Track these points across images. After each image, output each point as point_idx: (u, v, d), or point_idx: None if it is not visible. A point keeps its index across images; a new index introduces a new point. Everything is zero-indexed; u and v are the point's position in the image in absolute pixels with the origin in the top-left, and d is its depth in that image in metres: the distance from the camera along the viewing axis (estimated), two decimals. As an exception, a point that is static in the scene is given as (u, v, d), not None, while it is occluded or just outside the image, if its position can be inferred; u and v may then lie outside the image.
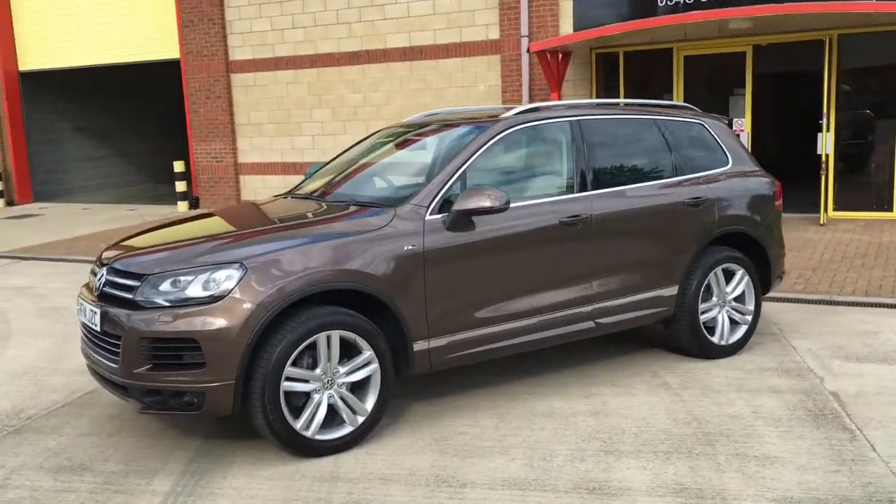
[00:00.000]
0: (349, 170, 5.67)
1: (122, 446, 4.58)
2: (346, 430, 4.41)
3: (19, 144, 18.76)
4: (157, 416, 4.74)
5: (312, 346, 4.27)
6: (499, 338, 4.89)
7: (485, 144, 5.00)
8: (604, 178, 5.40)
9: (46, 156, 19.56)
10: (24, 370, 6.08)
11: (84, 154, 20.66)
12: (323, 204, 5.15)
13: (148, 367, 4.13)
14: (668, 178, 5.70)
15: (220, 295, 4.10)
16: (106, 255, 4.75)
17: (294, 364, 4.22)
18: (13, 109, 18.63)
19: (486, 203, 4.62)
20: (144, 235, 5.04)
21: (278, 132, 15.51)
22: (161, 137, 21.59)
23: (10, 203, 18.56)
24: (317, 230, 4.54)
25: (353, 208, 4.84)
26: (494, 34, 13.41)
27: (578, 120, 5.41)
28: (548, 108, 5.46)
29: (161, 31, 16.58)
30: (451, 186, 4.78)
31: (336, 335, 4.30)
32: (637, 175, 5.60)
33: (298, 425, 4.24)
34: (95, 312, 4.37)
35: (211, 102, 15.96)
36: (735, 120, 12.08)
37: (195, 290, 4.13)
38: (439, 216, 4.69)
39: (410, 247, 4.54)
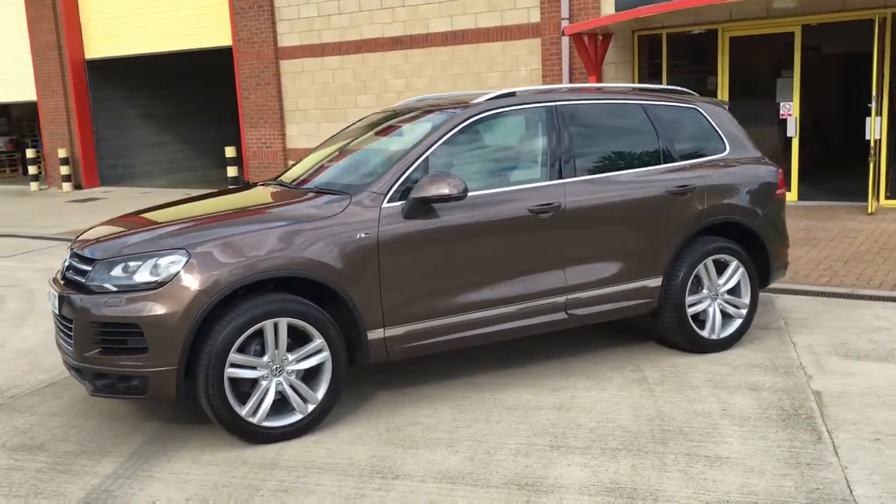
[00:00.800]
0: (329, 157, 5.65)
1: (85, 427, 4.69)
2: (295, 417, 4.41)
3: (86, 131, 19.42)
4: (112, 399, 4.80)
5: (262, 334, 4.28)
6: (462, 328, 4.82)
7: (449, 132, 4.92)
8: (580, 165, 5.24)
9: (113, 141, 20.20)
10: (29, 350, 6.29)
11: (149, 140, 21.26)
12: (291, 190, 5.15)
13: (97, 350, 4.21)
14: (654, 165, 5.50)
15: (164, 281, 4.14)
16: (78, 241, 4.85)
17: (241, 351, 4.24)
18: (80, 97, 19.28)
19: (444, 191, 4.54)
20: (116, 220, 5.13)
21: (324, 118, 15.63)
22: (222, 123, 22.03)
23: (77, 186, 19.25)
24: (268, 217, 4.54)
25: (310, 195, 4.82)
26: (535, 17, 13.19)
27: (555, 106, 5.26)
28: (525, 93, 5.32)
29: (216, 19, 16.89)
30: (410, 174, 4.71)
31: (283, 323, 4.30)
32: (618, 162, 5.42)
33: (244, 412, 4.26)
34: (55, 296, 4.47)
35: (261, 89, 16.19)
36: (782, 103, 11.60)
37: (143, 275, 4.18)
38: (398, 204, 4.63)
39: (363, 234, 4.50)
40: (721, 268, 5.63)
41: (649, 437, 4.29)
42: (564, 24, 12.66)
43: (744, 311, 5.71)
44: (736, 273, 5.65)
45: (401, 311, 4.62)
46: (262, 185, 5.63)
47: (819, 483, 3.72)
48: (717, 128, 5.82)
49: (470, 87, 13.98)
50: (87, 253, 4.45)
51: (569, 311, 5.13)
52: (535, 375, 5.27)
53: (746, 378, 5.11)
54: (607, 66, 12.69)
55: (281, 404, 4.41)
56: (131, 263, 4.23)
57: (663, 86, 6.37)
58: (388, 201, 4.63)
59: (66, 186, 19.01)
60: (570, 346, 5.81)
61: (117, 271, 4.24)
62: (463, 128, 4.97)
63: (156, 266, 4.18)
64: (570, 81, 12.97)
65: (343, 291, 4.44)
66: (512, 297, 4.93)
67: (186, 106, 21.62)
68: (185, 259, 4.17)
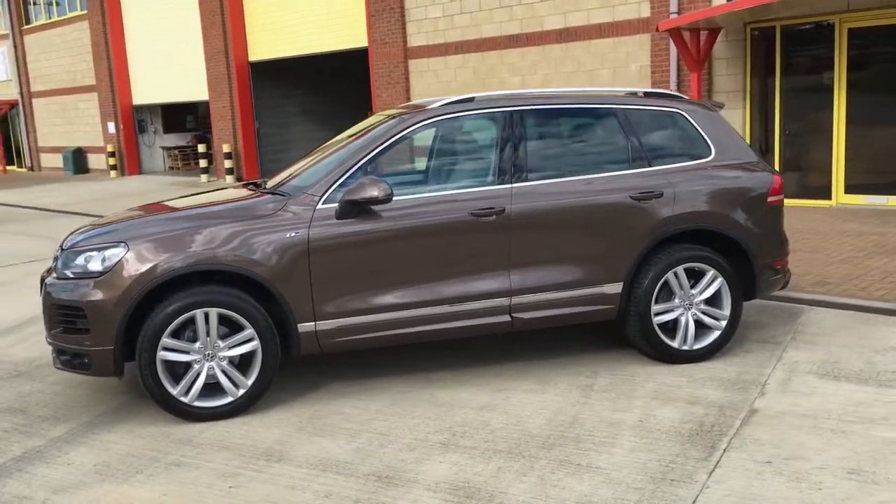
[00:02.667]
0: (310, 161, 5.98)
1: (69, 396, 5.35)
2: (226, 399, 4.82)
3: (248, 127, 21.02)
4: (74, 373, 5.28)
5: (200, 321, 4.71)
6: (397, 325, 5.02)
7: (394, 137, 5.14)
8: (534, 170, 5.27)
9: (274, 137, 21.72)
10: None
11: (308, 135, 22.60)
12: (252, 191, 5.52)
13: (59, 329, 4.82)
14: (620, 170, 5.41)
15: (105, 270, 4.68)
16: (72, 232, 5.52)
17: (175, 336, 4.70)
18: (243, 96, 20.90)
19: (373, 193, 4.78)
20: (122, 212, 5.76)
21: (448, 115, 16.01)
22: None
23: (238, 179, 20.87)
24: (212, 215, 4.96)
25: (258, 196, 5.19)
26: (646, 12, 12.89)
27: (512, 111, 5.32)
28: (483, 99, 5.42)
29: (355, 22, 17.74)
30: (346, 179, 4.97)
31: (213, 312, 4.71)
32: (577, 167, 5.38)
33: (175, 391, 4.72)
34: (42, 282, 5.14)
35: (391, 88, 16.86)
36: (904, 100, 10.68)
37: (94, 265, 4.74)
38: (332, 206, 4.91)
39: (293, 234, 4.82)
40: (697, 277, 5.46)
41: (542, 442, 4.32)
42: (673, 17, 12.28)
43: (723, 323, 5.50)
44: (713, 283, 5.45)
45: (332, 307, 4.90)
46: (244, 185, 6.07)
47: (665, 500, 3.64)
48: (702, 132, 5.62)
49: (582, 84, 13.88)
50: (64, 243, 5.08)
51: (513, 315, 5.19)
52: (490, 375, 5.37)
53: (694, 391, 4.96)
54: (717, 61, 12.19)
55: (216, 387, 4.83)
56: (87, 254, 4.79)
57: (647, 89, 6.18)
58: (324, 203, 4.92)
59: (230, 179, 20.66)
60: (548, 348, 5.84)
61: (79, 260, 4.82)
62: (408, 133, 5.16)
63: (103, 257, 4.72)
64: (678, 78, 12.58)
65: (272, 286, 4.78)
66: (451, 297, 5.07)
67: (338, 104, 22.77)
68: (124, 251, 4.69)
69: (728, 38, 12.04)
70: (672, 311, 5.44)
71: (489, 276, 5.12)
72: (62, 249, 4.97)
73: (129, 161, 25.49)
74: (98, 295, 4.64)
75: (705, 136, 5.62)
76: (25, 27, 29.69)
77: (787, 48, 11.72)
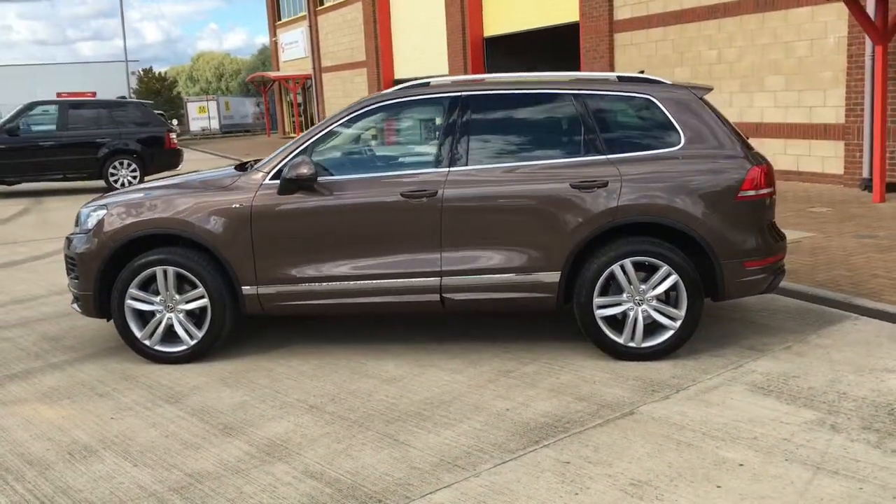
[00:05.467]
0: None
1: (77, 332, 6.33)
2: (181, 347, 5.54)
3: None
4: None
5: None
6: (333, 295, 5.40)
7: (339, 120, 5.48)
8: (475, 155, 5.32)
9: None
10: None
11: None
12: (235, 167, 6.09)
13: (72, 276, 5.84)
14: (568, 157, 5.28)
15: (90, 229, 5.58)
16: None
17: (143, 288, 5.50)
18: (477, 71, 21.72)
19: (301, 171, 5.21)
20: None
21: (648, 91, 15.54)
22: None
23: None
24: (185, 185, 5.68)
25: (228, 172, 5.79)
26: (844, -24, 11.56)
27: (461, 96, 5.40)
28: (438, 83, 5.55)
29: (572, -4, 17.71)
30: (292, 156, 5.41)
31: (171, 270, 5.44)
32: (521, 153, 5.34)
33: (139, 334, 5.53)
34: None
35: (596, 63, 16.66)
36: None
37: (88, 224, 5.67)
38: (276, 182, 5.40)
39: (237, 205, 5.38)
40: (651, 272, 5.20)
41: (393, 416, 4.51)
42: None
43: (677, 323, 5.19)
44: (667, 279, 5.15)
45: (272, 273, 5.40)
46: (254, 161, 6.68)
47: (428, 482, 3.73)
48: (672, 119, 5.27)
49: (778, 59, 12.82)
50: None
51: (444, 295, 5.33)
52: (432, 353, 5.53)
53: (599, 388, 4.81)
54: (919, 31, 10.66)
55: (175, 335, 5.56)
56: (87, 214, 5.72)
57: (620, 73, 5.79)
58: (270, 179, 5.42)
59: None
60: (515, 333, 5.89)
61: (82, 219, 5.77)
62: (356, 116, 5.48)
63: (93, 218, 5.63)
64: (874, 51, 11.17)
65: (217, 251, 5.40)
66: (383, 273, 5.33)
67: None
68: (103, 213, 5.56)
69: (933, 4, 10.48)
70: (618, 305, 5.23)
71: (420, 257, 5.30)
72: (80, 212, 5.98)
73: (386, 131, 27.51)
74: (84, 248, 5.57)
75: (676, 124, 5.27)
76: (319, 8, 32.99)
77: None
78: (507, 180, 5.27)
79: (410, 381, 5.06)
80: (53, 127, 16.69)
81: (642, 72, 5.68)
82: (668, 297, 5.22)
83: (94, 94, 44.98)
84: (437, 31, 23.35)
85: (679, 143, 5.25)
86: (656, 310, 5.21)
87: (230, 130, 52.44)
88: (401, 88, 5.58)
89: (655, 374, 5.02)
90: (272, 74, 38.83)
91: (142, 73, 61.77)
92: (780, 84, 12.92)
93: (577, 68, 17.87)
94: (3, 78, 64.41)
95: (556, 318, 6.03)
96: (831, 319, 5.98)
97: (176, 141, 17.39)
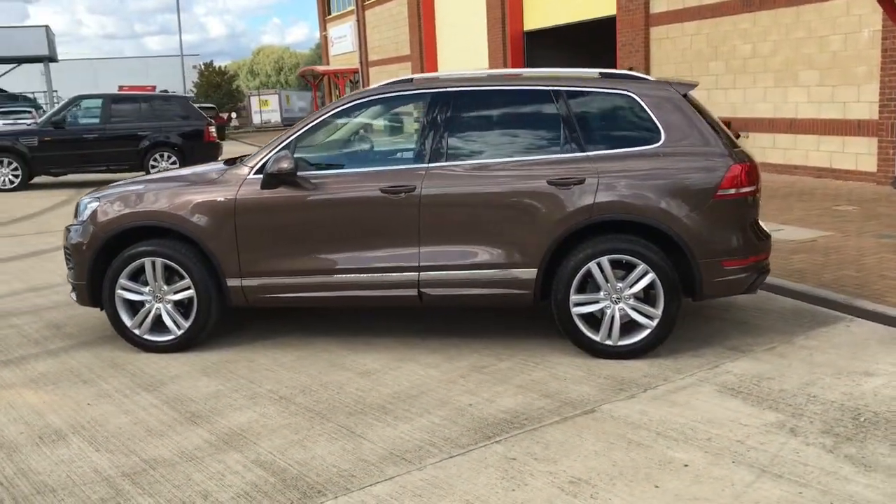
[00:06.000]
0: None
1: (77, 321, 6.53)
2: (169, 336, 5.68)
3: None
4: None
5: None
6: (314, 288, 5.47)
7: (324, 115, 5.55)
8: (454, 151, 5.35)
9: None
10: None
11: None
12: (227, 161, 6.21)
13: (69, 266, 6.02)
14: (548, 155, 5.27)
15: (84, 220, 5.75)
16: None
17: (133, 279, 5.66)
18: (516, 65, 21.66)
19: (283, 166, 5.29)
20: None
21: (682, 86, 15.31)
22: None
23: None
24: (175, 178, 5.81)
25: (217, 165, 5.91)
26: (879, -31, 11.23)
27: (443, 93, 5.43)
28: (421, 79, 5.58)
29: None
30: (279, 151, 5.49)
31: (159, 262, 5.58)
32: (500, 150, 5.35)
33: (129, 323, 5.69)
34: None
35: (632, 57, 16.48)
36: None
37: (82, 215, 5.84)
38: (260, 176, 5.50)
39: (222, 198, 5.49)
40: (629, 269, 5.16)
41: (358, 409, 4.57)
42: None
43: (654, 322, 5.15)
44: (644, 278, 5.11)
45: (256, 266, 5.50)
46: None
47: (370, 473, 3.79)
48: (653, 115, 5.21)
49: (811, 54, 12.53)
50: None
51: (421, 290, 5.36)
52: (418, 349, 5.55)
53: (568, 385, 4.80)
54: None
55: (164, 325, 5.70)
56: (82, 206, 5.90)
57: (602, 70, 5.72)
58: (255, 173, 5.52)
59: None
60: (500, 329, 5.90)
61: (78, 211, 5.95)
62: (341, 111, 5.55)
63: (86, 209, 5.80)
64: (907, 45, 10.85)
65: (202, 243, 5.52)
66: (363, 267, 5.39)
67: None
68: (97, 205, 5.72)
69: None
70: (595, 302, 5.21)
71: (399, 251, 5.35)
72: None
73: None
74: (78, 239, 5.74)
75: (656, 121, 5.21)
76: (367, 3, 33.20)
77: None
78: (485, 176, 5.28)
79: (384, 375, 5.11)
80: (97, 120, 17.14)
81: (631, 69, 5.61)
82: (648, 296, 5.18)
83: (153, 87, 46.18)
84: (479, 24, 23.31)
85: (659, 140, 5.20)
86: (633, 308, 5.17)
87: (291, 123, 53.12)
88: (385, 84, 5.63)
89: (629, 372, 4.99)
90: (320, 68, 39.24)
91: (202, 66, 63.01)
92: (814, 79, 12.62)
93: (614, 63, 17.69)
94: (71, 71, 66.40)
95: (542, 315, 6.01)
96: (825, 321, 5.86)
97: (214, 134, 17.71)
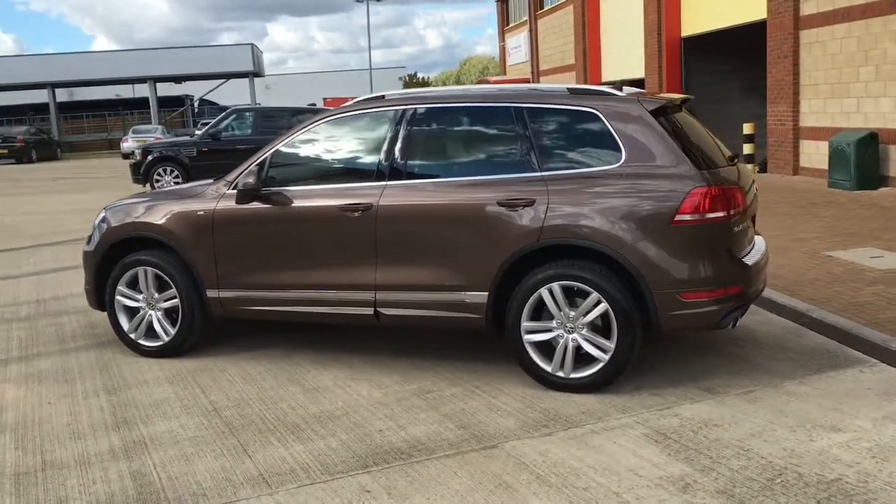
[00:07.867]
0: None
1: (86, 322, 6.97)
2: (159, 342, 5.95)
3: (677, 104, 20.81)
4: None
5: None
6: (282, 303, 5.53)
7: (297, 133, 5.61)
8: (411, 169, 5.22)
9: (710, 115, 21.09)
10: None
11: (745, 112, 21.40)
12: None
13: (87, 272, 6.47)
14: (504, 173, 5.01)
15: (94, 229, 6.16)
16: None
17: (131, 286, 5.99)
18: (671, 72, 20.81)
19: (248, 181, 5.43)
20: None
21: (831, 93, 14.06)
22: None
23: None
24: (172, 193, 6.08)
25: (210, 181, 6.10)
26: None
27: (407, 110, 5.31)
28: (392, 96, 5.49)
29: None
30: (255, 167, 5.60)
31: (150, 271, 5.87)
32: (459, 169, 5.16)
33: (126, 328, 6.02)
34: None
35: (780, 63, 15.33)
36: None
37: (96, 223, 6.26)
38: (235, 191, 5.64)
39: (201, 212, 5.68)
40: (584, 297, 4.82)
41: (262, 425, 4.57)
42: None
43: (607, 356, 4.76)
44: (597, 307, 4.75)
45: (231, 279, 5.64)
46: None
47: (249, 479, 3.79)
48: (615, 134, 4.82)
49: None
50: (105, 210, 6.69)
51: (378, 310, 5.27)
52: (380, 367, 5.46)
53: (493, 417, 4.54)
54: None
55: (155, 331, 5.98)
56: (98, 217, 6.31)
57: (570, 85, 5.26)
58: (232, 188, 5.67)
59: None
60: (472, 352, 5.69)
61: (95, 222, 6.37)
62: (313, 128, 5.58)
63: (98, 220, 6.21)
64: None
65: (183, 254, 5.74)
66: (324, 284, 5.38)
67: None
68: (104, 215, 6.11)
69: None
70: (548, 331, 4.90)
71: (357, 270, 5.29)
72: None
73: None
74: (87, 246, 6.17)
75: (618, 139, 4.82)
76: (539, 12, 33.12)
77: None
78: (439, 195, 5.11)
79: (329, 393, 5.07)
80: (250, 132, 18.25)
81: (621, 88, 5.23)
82: (605, 327, 4.79)
83: (351, 99, 48.67)
84: (636, 31, 22.56)
85: (619, 160, 4.80)
86: (587, 339, 4.81)
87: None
88: (357, 101, 5.60)
89: (569, 407, 4.64)
90: (493, 79, 39.50)
91: (407, 78, 65.55)
92: (970, 84, 11.13)
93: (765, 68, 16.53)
94: (293, 84, 71.67)
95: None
96: (840, 364, 5.16)
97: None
